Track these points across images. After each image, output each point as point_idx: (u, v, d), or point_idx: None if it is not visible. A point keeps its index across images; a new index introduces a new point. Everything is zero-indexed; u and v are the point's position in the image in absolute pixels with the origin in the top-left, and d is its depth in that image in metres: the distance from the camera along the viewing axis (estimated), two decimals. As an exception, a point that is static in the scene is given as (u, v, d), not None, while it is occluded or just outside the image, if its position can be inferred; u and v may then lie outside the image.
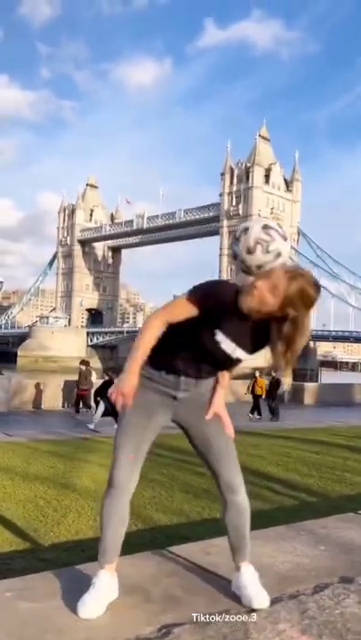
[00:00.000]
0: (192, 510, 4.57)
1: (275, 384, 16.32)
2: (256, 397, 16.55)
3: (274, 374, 16.79)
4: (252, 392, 16.64)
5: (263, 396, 16.45)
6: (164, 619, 1.96)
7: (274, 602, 2.11)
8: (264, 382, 16.68)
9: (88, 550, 3.35)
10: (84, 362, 17.79)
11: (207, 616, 1.96)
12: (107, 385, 16.75)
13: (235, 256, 1.95)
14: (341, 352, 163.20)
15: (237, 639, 1.82)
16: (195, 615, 1.95)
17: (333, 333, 77.14)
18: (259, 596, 2.06)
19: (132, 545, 3.49)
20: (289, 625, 1.93)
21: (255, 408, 16.38)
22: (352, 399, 23.41)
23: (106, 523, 2.09)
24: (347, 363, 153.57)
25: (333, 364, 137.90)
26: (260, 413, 16.28)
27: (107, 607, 2.00)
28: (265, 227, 1.88)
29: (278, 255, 1.86)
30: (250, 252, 1.86)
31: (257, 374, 17.08)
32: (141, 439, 2.16)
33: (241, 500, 2.18)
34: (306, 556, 2.66)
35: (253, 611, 2.02)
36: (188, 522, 4.24)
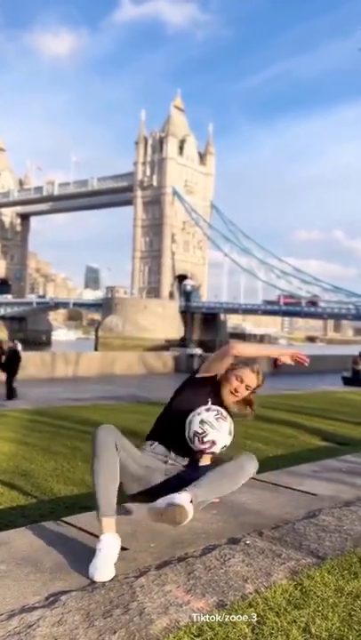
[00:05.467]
0: (94, 480, 4.58)
1: (13, 356, 13.71)
2: None
3: (12, 344, 14.46)
4: None
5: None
6: (53, 588, 1.97)
7: (162, 565, 2.18)
8: None
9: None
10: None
11: (95, 582, 2.00)
12: None
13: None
14: (250, 325, 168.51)
15: (124, 602, 1.86)
16: (83, 582, 1.98)
17: (243, 306, 79.41)
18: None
19: (30, 517, 3.47)
20: (175, 586, 2.01)
21: None
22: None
23: None
24: (255, 335, 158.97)
25: (242, 337, 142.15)
26: None
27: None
28: (201, 421, 2.52)
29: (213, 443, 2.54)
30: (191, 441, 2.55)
31: None
32: None
33: None
34: (198, 520, 2.75)
35: (142, 575, 2.08)
36: (89, 492, 4.24)
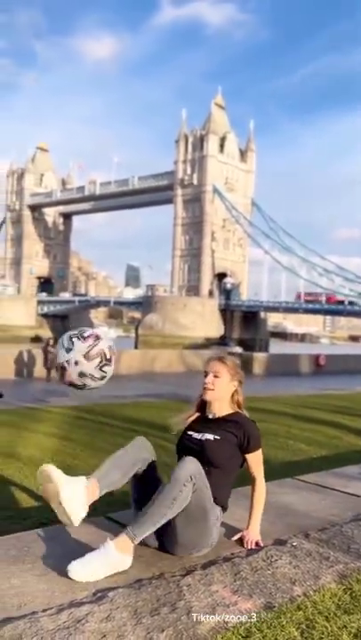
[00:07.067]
0: (137, 477, 4.61)
1: None
2: None
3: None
4: None
5: None
6: (99, 584, 1.98)
7: (208, 565, 2.17)
8: None
9: (29, 518, 3.35)
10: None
11: (142, 580, 2.00)
12: None
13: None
14: (291, 324, 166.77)
15: (171, 601, 1.86)
16: (129, 579, 1.99)
17: (284, 305, 78.52)
18: None
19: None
20: (222, 586, 1.99)
21: None
22: (299, 369, 24.05)
23: None
24: (296, 334, 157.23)
25: (283, 335, 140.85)
26: None
27: (41, 574, 2.02)
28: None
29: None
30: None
31: None
32: None
33: None
34: (243, 520, 2.73)
35: (188, 574, 2.07)
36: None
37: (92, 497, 2.14)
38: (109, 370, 2.18)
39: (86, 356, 2.11)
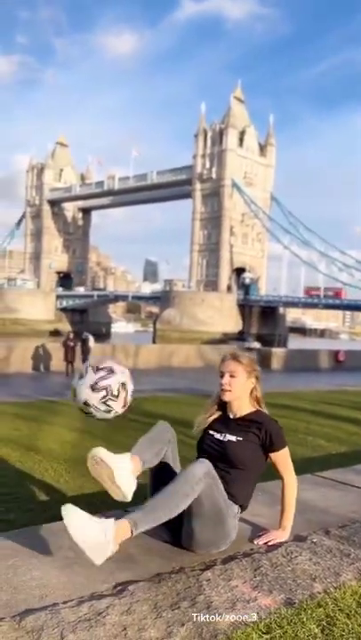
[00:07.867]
0: (155, 472, 4.62)
1: None
2: None
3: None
4: None
5: None
6: (120, 577, 1.99)
7: (228, 560, 2.17)
8: None
9: (49, 511, 3.38)
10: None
11: (162, 574, 2.01)
12: None
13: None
14: (311, 319, 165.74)
15: (191, 595, 1.86)
16: (149, 573, 1.99)
17: (303, 300, 78.04)
18: None
19: (95, 505, 3.53)
20: (242, 581, 1.99)
21: None
22: (319, 365, 23.89)
23: None
24: (315, 329, 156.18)
25: (302, 331, 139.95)
26: None
27: (62, 566, 2.03)
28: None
29: None
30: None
31: None
32: None
33: None
34: (262, 515, 2.73)
35: (208, 568, 2.07)
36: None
37: (137, 472, 2.26)
38: (115, 405, 2.18)
39: (93, 388, 2.16)
